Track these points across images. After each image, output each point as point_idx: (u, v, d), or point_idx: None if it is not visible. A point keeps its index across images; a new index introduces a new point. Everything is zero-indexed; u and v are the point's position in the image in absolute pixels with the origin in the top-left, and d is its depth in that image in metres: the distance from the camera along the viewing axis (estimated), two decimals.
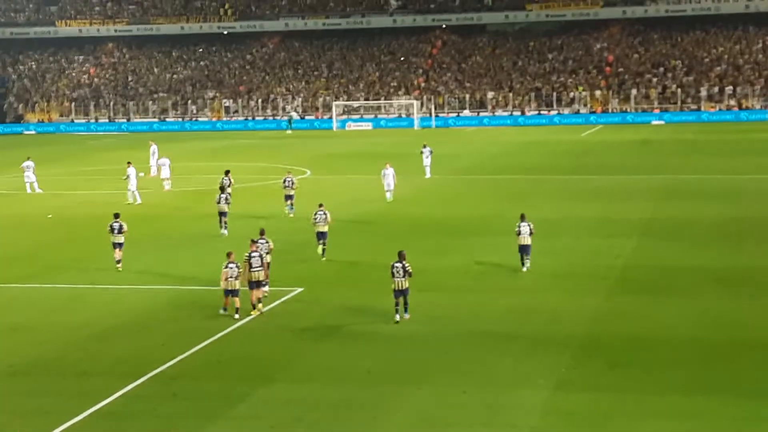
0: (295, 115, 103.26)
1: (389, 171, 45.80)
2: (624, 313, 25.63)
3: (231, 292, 25.73)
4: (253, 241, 27.27)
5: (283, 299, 27.68)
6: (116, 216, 33.03)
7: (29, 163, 53.29)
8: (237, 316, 25.56)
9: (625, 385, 20.19)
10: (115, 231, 32.37)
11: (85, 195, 45.09)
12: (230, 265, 25.68)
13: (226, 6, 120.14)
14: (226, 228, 37.79)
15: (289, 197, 42.50)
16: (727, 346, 22.58)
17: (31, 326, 25.74)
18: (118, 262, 32.30)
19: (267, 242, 27.75)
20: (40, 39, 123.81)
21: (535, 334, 23.87)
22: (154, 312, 27.02)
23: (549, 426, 18.19)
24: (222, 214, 38.01)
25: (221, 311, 26.09)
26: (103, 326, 25.49)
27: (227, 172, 43.86)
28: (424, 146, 55.62)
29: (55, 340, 24.29)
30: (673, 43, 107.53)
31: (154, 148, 59.98)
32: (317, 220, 33.28)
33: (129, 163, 48.36)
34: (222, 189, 39.34)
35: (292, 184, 42.54)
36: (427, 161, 54.75)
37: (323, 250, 33.18)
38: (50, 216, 44.45)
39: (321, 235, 33.28)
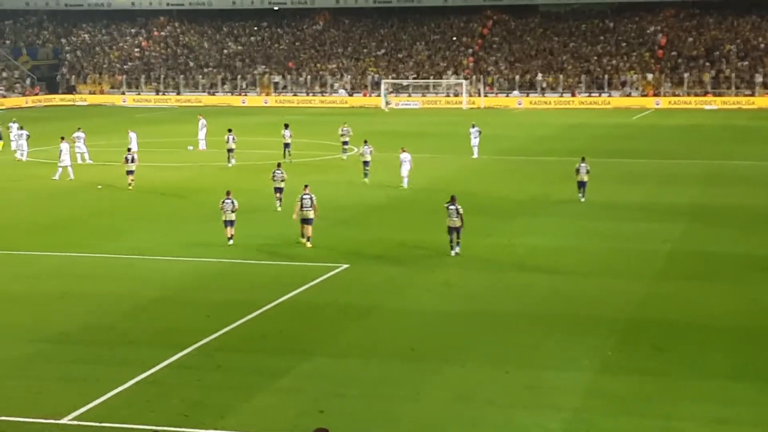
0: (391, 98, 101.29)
1: (405, 156, 43.33)
2: (670, 298, 25.48)
3: (228, 223, 31.35)
4: (306, 186, 32.11)
5: (328, 275, 27.82)
6: (129, 149, 46.43)
7: (80, 134, 53.83)
8: (231, 242, 31.36)
9: (669, 369, 20.11)
10: (129, 161, 43.98)
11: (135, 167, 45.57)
12: (227, 200, 31.32)
13: None
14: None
15: (345, 143, 55.11)
16: None
17: (80, 294, 26.10)
18: (130, 183, 43.81)
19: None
20: (94, 11, 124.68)
21: (579, 316, 23.80)
22: (200, 283, 27.28)
23: (591, 408, 18.15)
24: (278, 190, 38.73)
25: (228, 242, 31.34)
26: (150, 297, 25.79)
27: (286, 125, 54.32)
28: (473, 126, 55.47)
29: (103, 309, 24.61)
30: (728, 28, 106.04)
31: (203, 122, 60.32)
32: (364, 153, 45.23)
33: (62, 138, 48.72)
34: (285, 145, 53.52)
35: (348, 132, 55.41)
36: (475, 141, 54.58)
37: (366, 167, 45.03)
38: (100, 186, 44.94)
39: (366, 164, 45.06)
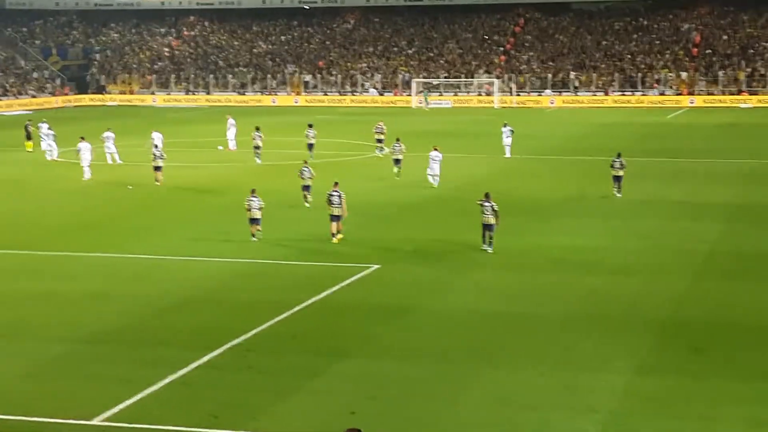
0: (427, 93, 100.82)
1: (435, 154, 42.85)
2: (708, 298, 25.10)
3: (253, 221, 31.77)
4: (336, 183, 32.32)
5: (360, 275, 27.57)
6: (156, 146, 47.93)
7: (109, 134, 53.75)
8: (255, 239, 31.68)
9: (708, 369, 19.76)
10: (157, 157, 44.81)
11: (166, 167, 45.56)
12: (252, 198, 31.73)
13: None
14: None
15: (379, 141, 55.83)
16: None
17: (111, 295, 25.99)
18: (158, 180, 44.44)
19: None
20: (123, 11, 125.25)
21: (616, 316, 23.45)
22: (230, 284, 27.11)
23: (629, 409, 17.82)
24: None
25: (252, 239, 31.68)
26: (181, 297, 25.65)
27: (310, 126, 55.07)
28: (505, 125, 55.04)
29: (134, 310, 24.48)
30: (763, 25, 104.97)
31: (231, 122, 60.16)
32: (395, 150, 46.05)
33: (82, 138, 48.51)
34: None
35: (382, 129, 56.22)
36: (507, 141, 54.12)
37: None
38: (131, 187, 44.86)
39: (397, 161, 45.88)
